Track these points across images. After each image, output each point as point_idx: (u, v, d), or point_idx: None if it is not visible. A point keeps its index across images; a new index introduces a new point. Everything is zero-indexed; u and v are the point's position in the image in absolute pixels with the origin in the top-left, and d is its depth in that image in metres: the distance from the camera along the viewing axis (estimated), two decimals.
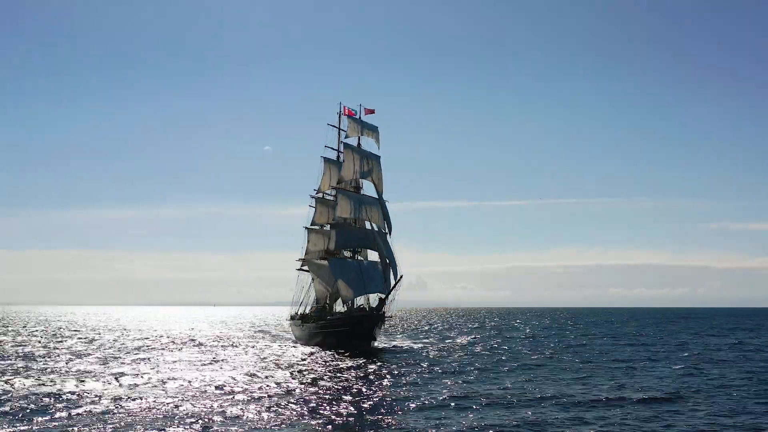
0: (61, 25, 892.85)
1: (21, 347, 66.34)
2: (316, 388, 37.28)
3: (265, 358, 56.43)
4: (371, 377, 42.44)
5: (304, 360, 54.29)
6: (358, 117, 78.59)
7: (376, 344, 71.56)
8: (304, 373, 44.67)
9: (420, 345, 73.69)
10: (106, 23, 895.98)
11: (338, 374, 43.93)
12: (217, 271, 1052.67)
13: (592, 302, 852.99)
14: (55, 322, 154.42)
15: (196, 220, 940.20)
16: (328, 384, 39.07)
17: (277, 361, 52.70)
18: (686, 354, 61.83)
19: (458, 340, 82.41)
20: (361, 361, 52.67)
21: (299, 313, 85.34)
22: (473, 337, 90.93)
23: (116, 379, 40.31)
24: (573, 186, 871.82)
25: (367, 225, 77.16)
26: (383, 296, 76.52)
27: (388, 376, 43.33)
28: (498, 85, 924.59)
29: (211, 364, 50.49)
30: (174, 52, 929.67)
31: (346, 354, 60.56)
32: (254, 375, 43.12)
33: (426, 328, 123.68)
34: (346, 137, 77.42)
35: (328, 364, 51.05)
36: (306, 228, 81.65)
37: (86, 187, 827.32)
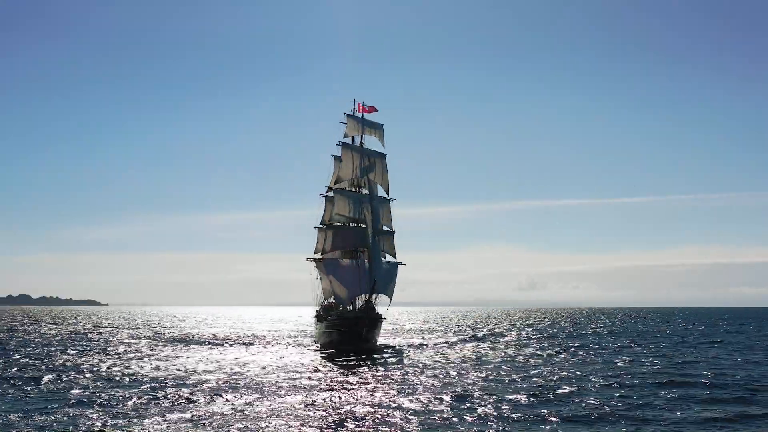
0: (185, 37, 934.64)
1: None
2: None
3: (257, 357, 56.89)
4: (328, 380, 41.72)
5: (292, 363, 53.81)
6: (360, 115, 77.93)
7: (372, 344, 70.91)
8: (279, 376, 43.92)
9: (423, 344, 72.48)
10: (220, 31, 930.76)
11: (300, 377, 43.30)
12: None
13: (718, 302, 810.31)
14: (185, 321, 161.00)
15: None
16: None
17: (268, 363, 52.16)
18: None
19: (467, 344, 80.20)
20: (336, 364, 52.27)
21: (316, 311, 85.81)
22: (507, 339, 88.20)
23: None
24: (692, 181, 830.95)
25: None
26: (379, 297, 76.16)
27: (356, 377, 42.70)
28: (608, 80, 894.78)
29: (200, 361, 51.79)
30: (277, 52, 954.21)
31: (336, 355, 60.50)
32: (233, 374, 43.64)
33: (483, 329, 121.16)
34: (344, 136, 76.85)
35: (306, 366, 50.71)
36: (316, 227, 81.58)
37: (216, 192, 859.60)
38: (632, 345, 74.45)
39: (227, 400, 32.75)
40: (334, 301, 78.89)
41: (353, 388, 37.36)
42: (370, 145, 78.76)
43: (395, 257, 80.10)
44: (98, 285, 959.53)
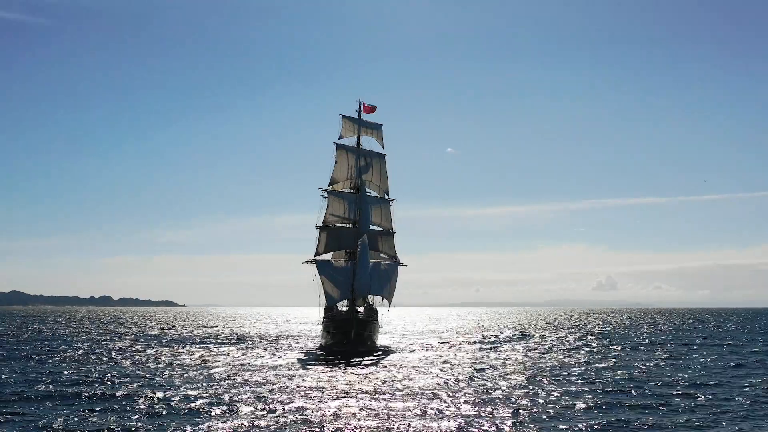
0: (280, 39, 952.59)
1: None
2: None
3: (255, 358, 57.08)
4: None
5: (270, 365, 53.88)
6: (357, 116, 77.12)
7: (368, 346, 70.10)
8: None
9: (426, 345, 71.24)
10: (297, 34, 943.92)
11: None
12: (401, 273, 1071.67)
13: None
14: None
15: None
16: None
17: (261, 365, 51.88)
18: None
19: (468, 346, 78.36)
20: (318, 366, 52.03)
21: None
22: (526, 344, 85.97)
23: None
24: None
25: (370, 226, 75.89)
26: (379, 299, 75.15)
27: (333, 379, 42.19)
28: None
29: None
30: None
31: (321, 357, 60.30)
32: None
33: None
34: (339, 137, 76.13)
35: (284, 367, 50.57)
36: (317, 227, 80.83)
37: (285, 194, 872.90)
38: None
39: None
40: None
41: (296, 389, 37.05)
42: (369, 146, 77.97)
43: (395, 258, 79.06)
44: (175, 286, 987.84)
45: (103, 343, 78.51)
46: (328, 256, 75.25)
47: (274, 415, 29.52)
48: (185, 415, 29.64)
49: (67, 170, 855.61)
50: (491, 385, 39.69)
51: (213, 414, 29.74)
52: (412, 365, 51.42)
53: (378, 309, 78.17)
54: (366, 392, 36.07)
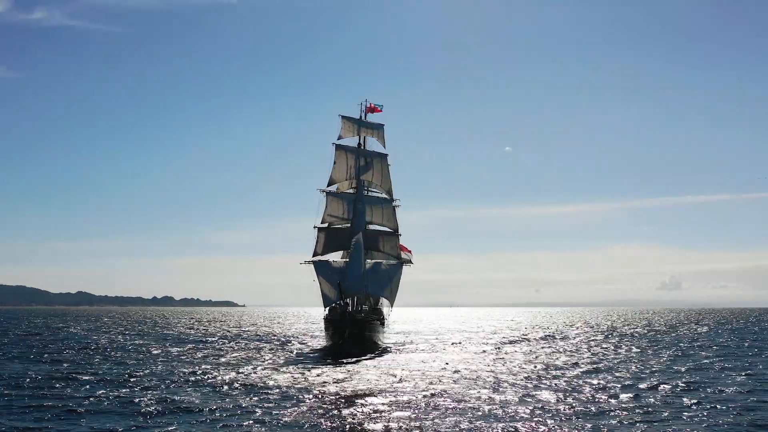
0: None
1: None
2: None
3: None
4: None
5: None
6: (358, 116, 77.37)
7: (369, 345, 70.41)
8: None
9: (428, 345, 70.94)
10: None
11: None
12: (461, 273, 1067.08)
13: None
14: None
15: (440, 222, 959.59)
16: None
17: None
18: None
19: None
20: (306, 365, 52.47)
21: None
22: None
23: None
24: None
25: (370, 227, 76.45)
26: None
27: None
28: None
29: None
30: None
31: (319, 356, 60.91)
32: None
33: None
34: (338, 138, 76.48)
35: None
36: (315, 228, 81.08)
37: None
38: None
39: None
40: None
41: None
42: (371, 147, 78.20)
43: (398, 258, 79.08)
44: (235, 286, 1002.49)
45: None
46: (327, 257, 75.72)
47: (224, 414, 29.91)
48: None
49: (134, 172, 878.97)
50: (451, 385, 39.00)
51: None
52: (388, 365, 51.38)
53: (385, 309, 78.98)
54: (312, 392, 36.22)
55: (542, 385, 39.08)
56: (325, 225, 75.39)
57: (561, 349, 68.67)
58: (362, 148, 77.33)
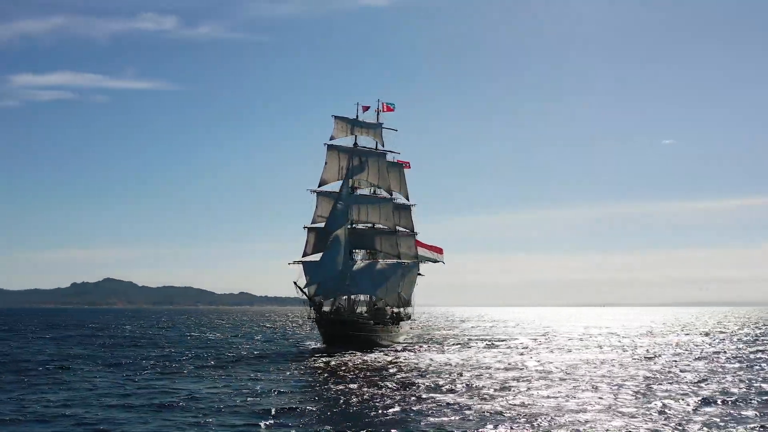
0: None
1: None
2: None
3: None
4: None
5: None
6: (353, 116, 77.66)
7: (384, 344, 71.96)
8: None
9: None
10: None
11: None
12: (613, 271, 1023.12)
13: None
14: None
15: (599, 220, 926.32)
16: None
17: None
18: None
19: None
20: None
21: None
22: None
23: None
24: None
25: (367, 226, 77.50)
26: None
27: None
28: None
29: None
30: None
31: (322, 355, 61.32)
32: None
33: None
34: (330, 138, 77.01)
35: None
36: (305, 228, 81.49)
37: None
38: None
39: None
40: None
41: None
42: (368, 147, 78.50)
43: (399, 258, 78.89)
44: None
45: None
46: (316, 257, 76.53)
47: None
48: None
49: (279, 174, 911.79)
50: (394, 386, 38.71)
51: None
52: (355, 364, 51.59)
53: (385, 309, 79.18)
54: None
55: None
56: (315, 225, 76.49)
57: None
58: (357, 147, 77.67)
